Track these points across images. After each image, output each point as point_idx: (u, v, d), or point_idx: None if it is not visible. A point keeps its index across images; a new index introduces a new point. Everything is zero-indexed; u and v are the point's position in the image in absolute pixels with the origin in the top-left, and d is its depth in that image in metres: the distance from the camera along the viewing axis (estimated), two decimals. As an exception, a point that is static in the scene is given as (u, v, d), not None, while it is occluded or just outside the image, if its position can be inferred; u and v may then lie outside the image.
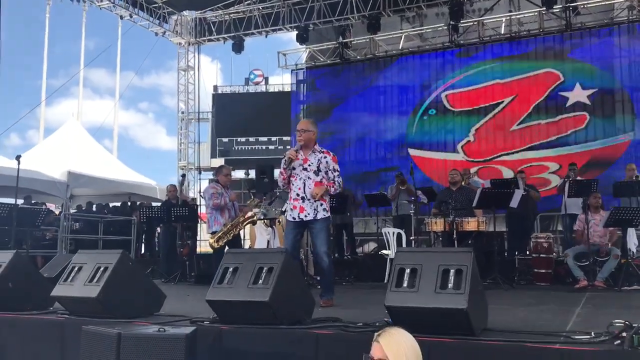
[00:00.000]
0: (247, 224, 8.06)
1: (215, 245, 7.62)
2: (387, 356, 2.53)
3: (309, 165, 5.52)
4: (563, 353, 2.99)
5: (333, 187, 5.57)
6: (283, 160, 5.59)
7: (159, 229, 12.48)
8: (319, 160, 5.54)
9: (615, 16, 12.91)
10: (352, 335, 3.62)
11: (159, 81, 58.95)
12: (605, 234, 7.74)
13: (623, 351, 2.89)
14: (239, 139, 18.73)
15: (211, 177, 19.39)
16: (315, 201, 5.46)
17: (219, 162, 18.33)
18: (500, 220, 9.21)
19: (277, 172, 13.54)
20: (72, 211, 12.86)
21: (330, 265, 5.52)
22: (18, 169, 7.83)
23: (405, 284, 3.49)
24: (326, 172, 5.55)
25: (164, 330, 3.53)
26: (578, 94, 12.75)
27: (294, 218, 5.53)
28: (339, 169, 5.65)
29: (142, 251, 13.12)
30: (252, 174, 15.89)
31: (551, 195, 11.61)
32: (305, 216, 5.47)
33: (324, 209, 5.51)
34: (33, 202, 12.14)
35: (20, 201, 10.30)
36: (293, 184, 5.57)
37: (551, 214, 11.82)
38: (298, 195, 5.51)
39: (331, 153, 5.67)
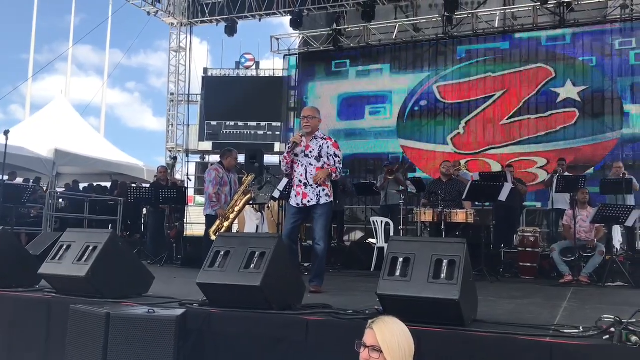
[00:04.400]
0: (245, 205, 7.93)
1: (214, 237, 7.48)
2: (380, 344, 2.53)
3: (311, 151, 5.58)
4: (553, 346, 3.01)
5: (335, 172, 5.59)
6: (287, 144, 5.67)
7: (145, 210, 12.41)
8: (320, 146, 5.58)
9: (609, 14, 12.96)
10: (342, 322, 3.61)
11: (147, 61, 58.43)
12: (592, 230, 7.82)
13: (612, 346, 2.92)
14: (228, 123, 18.56)
15: (198, 160, 19.34)
16: (317, 187, 5.51)
17: (207, 145, 18.23)
18: (488, 213, 9.26)
19: (267, 157, 13.46)
20: (58, 189, 12.73)
21: (325, 250, 5.54)
22: (6, 144, 7.71)
23: (398, 273, 3.48)
24: (328, 158, 5.58)
25: (153, 311, 3.51)
26: (569, 91, 12.83)
27: (297, 204, 5.57)
28: (340, 156, 5.67)
29: (128, 232, 13.02)
30: (240, 158, 15.84)
31: (538, 190, 11.69)
32: (309, 202, 5.51)
33: (326, 195, 5.56)
34: (25, 179, 12.02)
35: (5, 177, 10.17)
36: (295, 171, 5.63)
37: (537, 209, 11.91)
38: (300, 181, 5.57)
39: (332, 139, 5.71)
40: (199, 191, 16.30)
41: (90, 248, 4.45)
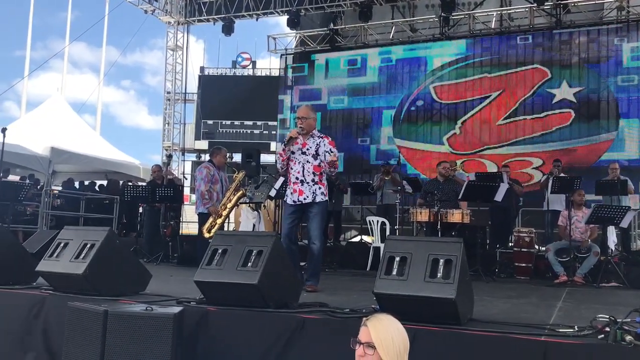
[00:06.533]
0: (237, 202, 7.92)
1: (207, 234, 7.48)
2: (374, 340, 2.55)
3: (308, 149, 5.61)
4: (548, 345, 3.03)
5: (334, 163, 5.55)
6: (283, 142, 5.68)
7: (141, 209, 12.41)
8: (317, 144, 5.62)
9: (605, 16, 13.01)
10: (338, 320, 3.63)
11: (142, 59, 58.30)
12: (587, 231, 7.86)
13: (607, 345, 2.94)
14: (224, 122, 18.60)
15: (194, 158, 19.35)
16: (313, 184, 5.54)
17: (203, 144, 18.25)
18: (484, 213, 9.28)
19: (263, 156, 13.43)
20: (54, 187, 12.71)
21: (321, 249, 5.56)
22: (3, 142, 7.67)
23: (394, 272, 3.50)
24: (325, 155, 5.59)
25: (151, 309, 3.51)
26: (565, 92, 12.86)
27: (293, 201, 5.60)
28: (336, 152, 5.64)
29: (125, 230, 13.02)
30: (236, 157, 15.86)
31: (534, 191, 11.73)
32: (305, 199, 5.54)
33: (322, 193, 5.59)
34: (22, 177, 11.98)
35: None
36: (292, 168, 5.64)
37: (532, 209, 11.95)
38: (297, 178, 5.59)
39: (329, 137, 5.74)
40: (194, 190, 16.30)
41: (88, 246, 4.45)
